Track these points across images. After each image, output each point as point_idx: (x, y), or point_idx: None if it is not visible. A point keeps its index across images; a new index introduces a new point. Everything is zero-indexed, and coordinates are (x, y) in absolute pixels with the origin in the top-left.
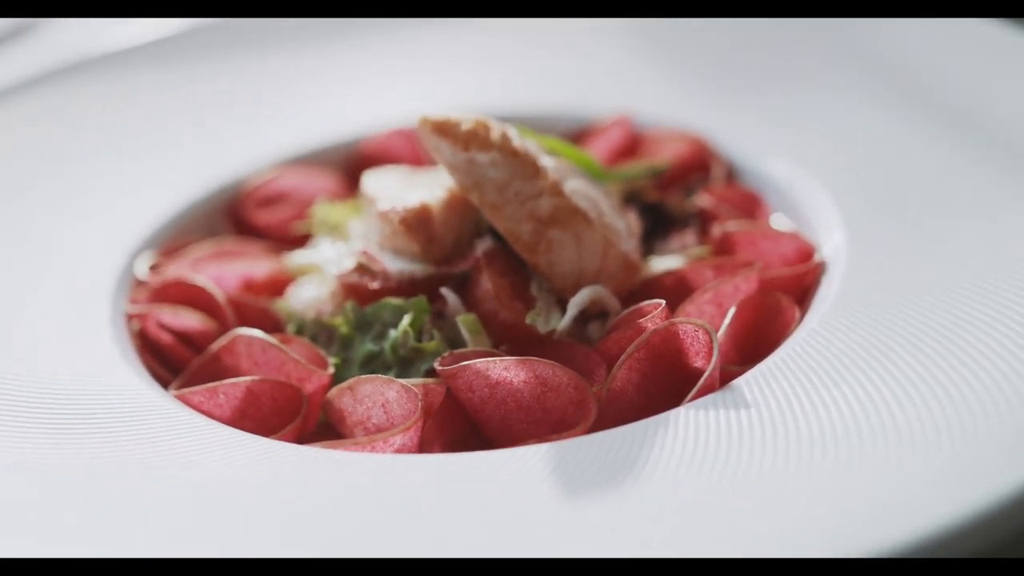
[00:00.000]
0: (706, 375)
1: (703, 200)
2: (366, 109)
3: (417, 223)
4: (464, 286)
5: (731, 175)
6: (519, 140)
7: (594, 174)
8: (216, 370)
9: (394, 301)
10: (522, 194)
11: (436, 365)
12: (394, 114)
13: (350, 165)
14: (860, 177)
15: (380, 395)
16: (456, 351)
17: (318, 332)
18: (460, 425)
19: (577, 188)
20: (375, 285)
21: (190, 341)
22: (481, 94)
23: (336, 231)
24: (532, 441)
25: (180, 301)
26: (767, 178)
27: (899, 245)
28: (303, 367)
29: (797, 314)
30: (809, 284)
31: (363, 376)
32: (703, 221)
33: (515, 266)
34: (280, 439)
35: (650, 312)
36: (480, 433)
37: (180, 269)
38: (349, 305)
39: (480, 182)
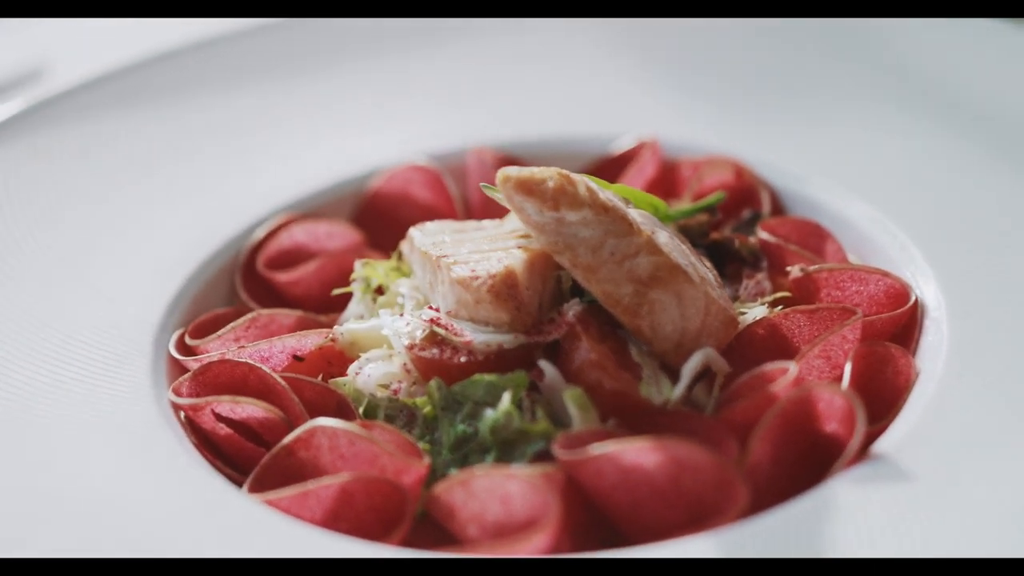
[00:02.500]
0: (853, 445)
1: (763, 235)
2: (365, 145)
3: (506, 290)
4: (553, 356)
5: (775, 204)
6: (603, 193)
7: (661, 217)
8: (291, 466)
9: (487, 377)
10: (618, 253)
11: (556, 450)
12: (395, 149)
13: (360, 208)
14: (919, 199)
15: (500, 489)
16: (570, 432)
17: (395, 414)
18: (581, 514)
19: (666, 241)
20: (462, 359)
21: (250, 431)
22: (489, 123)
23: (377, 293)
24: (682, 532)
25: (229, 385)
26: (818, 206)
27: (990, 278)
28: (398, 459)
29: (913, 364)
30: (905, 327)
31: (477, 470)
32: (770, 260)
33: (609, 330)
34: (388, 543)
35: (778, 377)
36: (606, 522)
37: (214, 347)
38: (435, 383)
39: (572, 243)
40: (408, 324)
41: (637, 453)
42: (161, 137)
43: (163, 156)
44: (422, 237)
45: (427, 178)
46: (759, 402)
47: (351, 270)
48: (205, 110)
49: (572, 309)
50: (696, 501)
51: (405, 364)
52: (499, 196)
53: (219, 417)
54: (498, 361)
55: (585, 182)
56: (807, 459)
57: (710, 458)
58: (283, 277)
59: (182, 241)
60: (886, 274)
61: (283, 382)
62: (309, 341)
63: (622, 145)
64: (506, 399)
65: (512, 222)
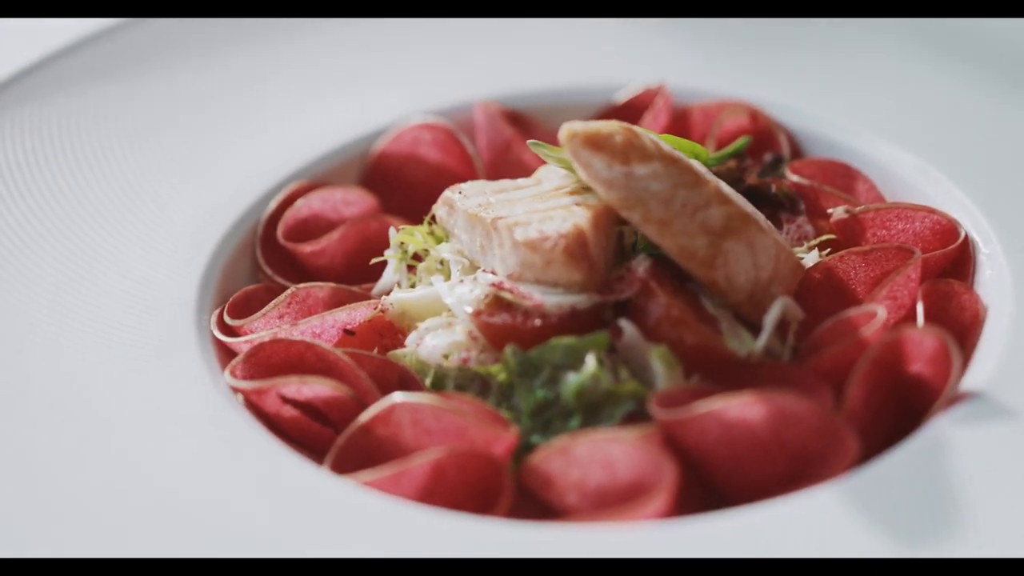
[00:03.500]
0: (952, 384)
1: (794, 178)
2: (365, 105)
3: (579, 249)
4: (623, 314)
5: (793, 146)
6: (664, 144)
7: (704, 164)
8: (369, 444)
9: (565, 340)
10: (689, 205)
11: (653, 409)
12: (395, 107)
13: (367, 171)
14: (945, 134)
15: (602, 454)
16: (663, 391)
17: (465, 383)
18: (682, 475)
19: (728, 189)
20: (537, 323)
21: (315, 412)
22: (485, 77)
23: (415, 260)
24: (786, 486)
25: (286, 365)
26: (837, 146)
27: None
28: (488, 429)
29: (979, 299)
30: (956, 263)
31: (576, 435)
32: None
33: (679, 284)
34: (493, 516)
35: (867, 321)
36: (703, 481)
37: (259, 326)
38: (511, 349)
39: (643, 197)
40: (472, 290)
41: (741, 408)
42: (151, 108)
43: (156, 127)
44: (464, 199)
45: (436, 136)
46: (850, 348)
47: (373, 237)
48: (195, 76)
49: (641, 265)
50: (798, 453)
51: (471, 331)
52: (546, 152)
53: (284, 399)
54: (571, 323)
55: (647, 134)
56: (899, 403)
57: (814, 408)
58: (308, 248)
59: (196, 217)
60: (932, 211)
61: (346, 358)
62: (359, 314)
63: (628, 92)
64: (591, 361)
65: (553, 179)
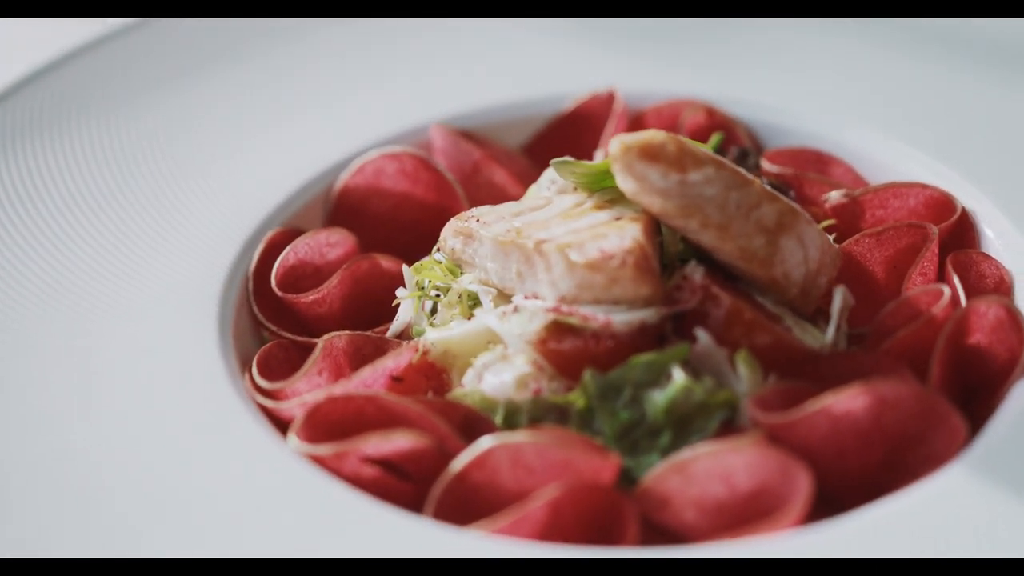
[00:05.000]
0: None
1: (772, 168)
2: (312, 141)
3: (645, 264)
4: (682, 324)
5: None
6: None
7: None
8: (465, 492)
9: (643, 357)
10: (743, 206)
11: (755, 414)
12: (346, 140)
13: (333, 209)
14: (905, 112)
15: (721, 467)
16: (760, 395)
17: (541, 415)
18: None
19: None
20: (610, 344)
21: (391, 467)
22: (428, 99)
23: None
24: (902, 471)
25: (347, 423)
26: (796, 133)
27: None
28: (593, 459)
29: (999, 265)
30: (954, 235)
31: (692, 451)
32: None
33: (732, 286)
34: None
35: (935, 300)
36: None
37: (303, 386)
38: (589, 374)
39: (699, 203)
40: (531, 320)
41: (848, 401)
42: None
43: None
44: (486, 227)
45: (401, 166)
46: (922, 328)
47: (364, 278)
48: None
49: (697, 272)
50: (896, 439)
51: (535, 361)
52: (570, 170)
53: (366, 460)
54: (641, 339)
55: (687, 140)
56: (967, 375)
57: (916, 391)
58: (310, 297)
59: (190, 277)
60: (924, 186)
61: (417, 406)
62: (404, 359)
63: (575, 101)
64: (679, 374)
65: (568, 195)
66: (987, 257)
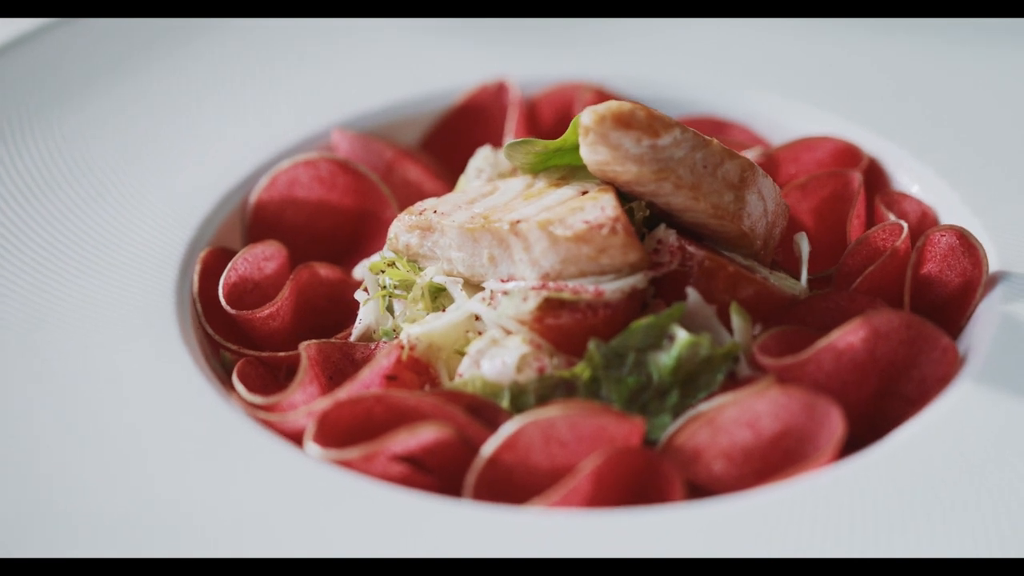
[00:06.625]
0: (986, 268)
1: None
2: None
3: (631, 228)
4: (661, 286)
5: None
6: None
7: None
8: (499, 474)
9: (643, 321)
10: (709, 165)
11: (764, 360)
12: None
13: (250, 223)
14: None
15: (748, 413)
16: (762, 343)
17: (548, 392)
18: None
19: None
20: (607, 312)
21: (417, 459)
22: (318, 104)
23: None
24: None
25: (358, 425)
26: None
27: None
28: (623, 424)
29: (922, 203)
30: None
31: (717, 401)
32: None
33: (704, 245)
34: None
35: (896, 235)
36: None
37: (300, 398)
38: (594, 344)
39: (671, 166)
40: (523, 301)
41: (849, 335)
42: None
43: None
44: (447, 217)
45: (317, 172)
46: (888, 263)
47: (305, 288)
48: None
49: (669, 235)
50: (888, 367)
51: (532, 340)
52: (527, 150)
53: (395, 458)
54: (632, 304)
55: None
56: (930, 301)
57: (906, 319)
58: (263, 312)
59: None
60: (830, 139)
61: (430, 398)
62: (393, 357)
63: (463, 95)
64: (682, 333)
65: (511, 180)
66: (906, 196)
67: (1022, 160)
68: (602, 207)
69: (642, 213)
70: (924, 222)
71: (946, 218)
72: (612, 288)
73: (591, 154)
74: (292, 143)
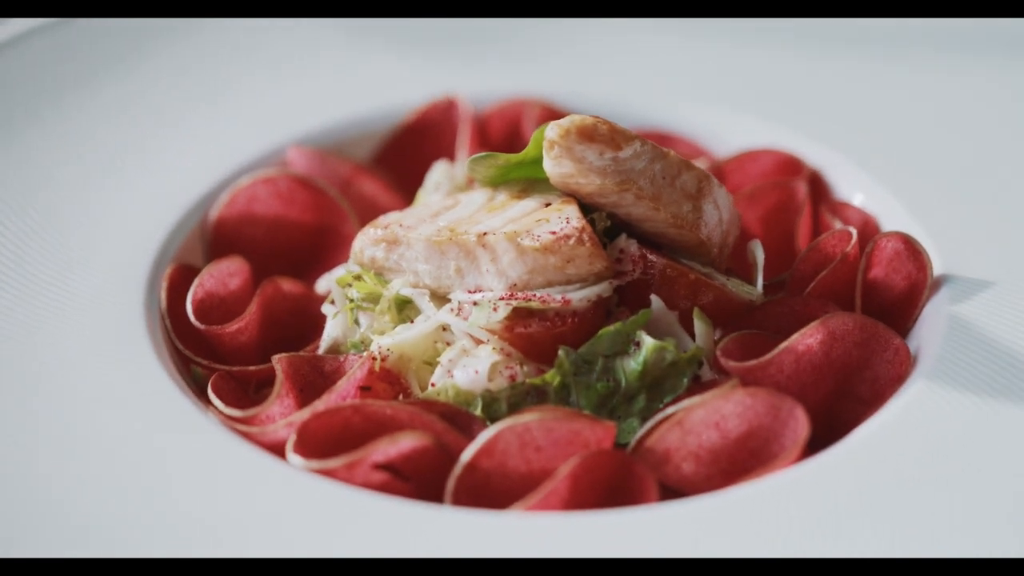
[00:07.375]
0: (931, 271)
1: None
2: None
3: (596, 240)
4: (625, 294)
5: None
6: None
7: None
8: (477, 479)
9: (610, 328)
10: (668, 176)
11: (727, 364)
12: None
13: (211, 240)
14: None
15: (715, 415)
16: (725, 346)
17: (519, 400)
18: None
19: None
20: (574, 321)
21: (395, 467)
22: (269, 123)
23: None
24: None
25: (336, 436)
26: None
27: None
28: (596, 427)
29: (864, 211)
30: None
31: (684, 404)
32: None
33: (664, 254)
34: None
35: (846, 241)
36: None
37: (276, 411)
38: (563, 352)
39: (633, 177)
40: (492, 311)
41: (807, 338)
42: None
43: None
44: (413, 230)
45: (276, 188)
46: (839, 268)
47: (269, 303)
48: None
49: (631, 244)
50: (842, 368)
51: (503, 348)
52: (490, 164)
53: (377, 466)
54: (597, 312)
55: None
56: (877, 304)
57: (860, 320)
58: (233, 327)
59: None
60: (772, 151)
61: (408, 407)
62: (365, 368)
63: (414, 111)
64: (648, 339)
65: (472, 193)
66: (847, 205)
67: (960, 166)
68: (567, 218)
69: (604, 224)
70: (867, 230)
71: (889, 225)
72: (578, 297)
73: (555, 167)
74: (247, 160)
